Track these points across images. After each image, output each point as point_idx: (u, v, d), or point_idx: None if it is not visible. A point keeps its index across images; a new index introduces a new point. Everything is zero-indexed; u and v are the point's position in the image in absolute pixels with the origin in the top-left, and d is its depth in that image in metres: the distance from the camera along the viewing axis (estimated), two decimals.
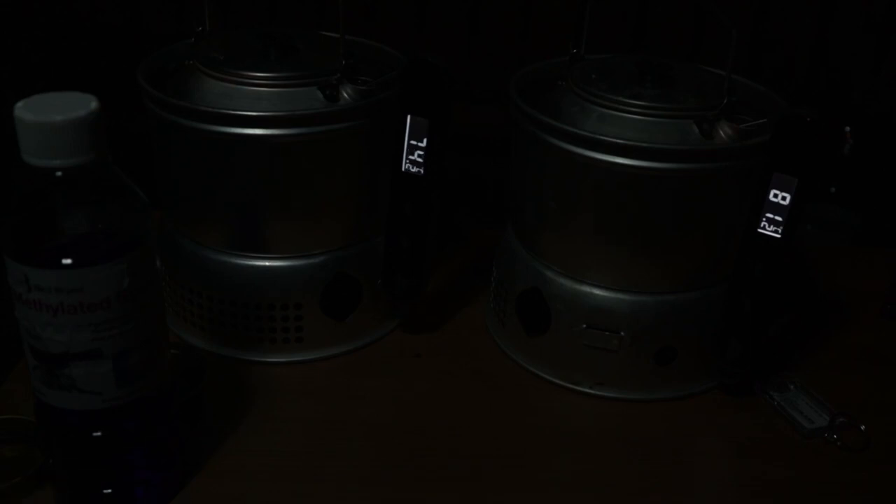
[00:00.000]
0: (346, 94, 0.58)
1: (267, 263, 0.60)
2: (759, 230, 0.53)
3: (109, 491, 0.48)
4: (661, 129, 0.55)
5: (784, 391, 0.60)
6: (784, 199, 0.52)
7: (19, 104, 0.41)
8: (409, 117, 0.56)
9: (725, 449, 0.57)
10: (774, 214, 0.53)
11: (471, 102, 0.77)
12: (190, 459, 0.53)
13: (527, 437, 0.57)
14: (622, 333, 0.58)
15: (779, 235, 0.53)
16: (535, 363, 0.62)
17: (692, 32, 1.16)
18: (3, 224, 0.43)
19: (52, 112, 0.40)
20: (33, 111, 0.40)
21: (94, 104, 0.41)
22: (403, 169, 0.57)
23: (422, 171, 0.57)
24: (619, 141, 0.53)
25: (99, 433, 0.46)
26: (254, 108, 0.56)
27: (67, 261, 0.42)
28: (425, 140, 0.56)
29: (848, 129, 0.98)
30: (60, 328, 0.43)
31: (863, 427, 0.57)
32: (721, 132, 0.55)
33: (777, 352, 0.64)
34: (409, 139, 0.56)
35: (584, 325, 0.59)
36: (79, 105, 0.41)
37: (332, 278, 0.61)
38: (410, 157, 0.57)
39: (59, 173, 0.41)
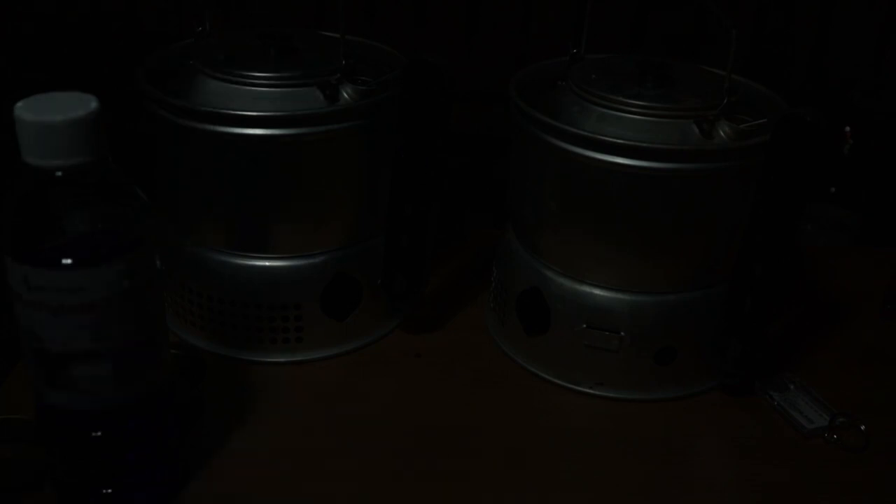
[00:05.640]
0: (346, 94, 0.58)
1: (267, 263, 0.60)
2: (759, 230, 0.53)
3: (109, 491, 0.48)
4: (661, 129, 0.55)
5: (784, 391, 0.60)
6: (785, 199, 0.52)
7: (19, 104, 0.41)
8: None
9: (725, 449, 0.57)
10: (775, 215, 0.53)
11: (471, 102, 0.77)
12: (190, 459, 0.53)
13: (527, 437, 0.57)
14: (622, 333, 0.58)
15: (779, 236, 0.53)
16: (535, 363, 0.62)
17: (692, 32, 1.16)
18: (3, 224, 0.43)
19: (52, 112, 0.40)
20: (33, 111, 0.40)
21: (94, 104, 0.41)
22: None
23: None
24: (618, 141, 0.53)
25: (99, 433, 0.46)
26: (254, 108, 0.56)
27: (67, 261, 0.42)
28: None
29: (848, 129, 0.98)
30: (60, 328, 0.43)
31: (863, 427, 0.57)
32: (721, 132, 0.55)
33: (777, 352, 0.64)
34: None
35: (584, 325, 0.59)
36: (79, 105, 0.41)
37: (332, 278, 0.61)
38: None
39: (59, 173, 0.41)
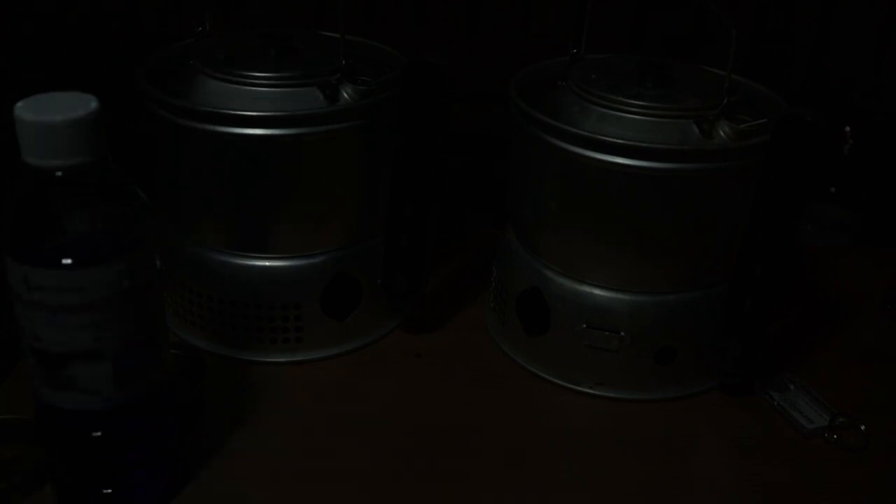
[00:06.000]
0: (346, 94, 0.58)
1: (267, 263, 0.60)
2: (759, 230, 0.53)
3: (109, 491, 0.48)
4: (661, 129, 0.55)
5: (784, 391, 0.60)
6: (785, 199, 0.52)
7: (19, 104, 0.41)
8: None
9: (725, 449, 0.57)
10: (775, 215, 0.53)
11: (471, 102, 0.77)
12: (190, 459, 0.53)
13: (526, 437, 0.57)
14: (622, 333, 0.58)
15: (779, 236, 0.53)
16: (535, 363, 0.62)
17: (692, 32, 1.16)
18: (3, 224, 0.43)
19: (52, 112, 0.40)
20: (33, 111, 0.40)
21: (94, 104, 0.41)
22: None
23: None
24: (618, 141, 0.53)
25: (99, 433, 0.46)
26: (254, 108, 0.56)
27: (67, 261, 0.42)
28: None
29: (848, 129, 0.98)
30: (60, 328, 0.43)
31: (863, 427, 0.57)
32: (721, 132, 0.55)
33: (777, 352, 0.64)
34: None
35: (584, 325, 0.59)
36: (79, 105, 0.41)
37: (332, 278, 0.61)
38: None
39: (59, 173, 0.41)
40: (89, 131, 0.41)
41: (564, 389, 0.61)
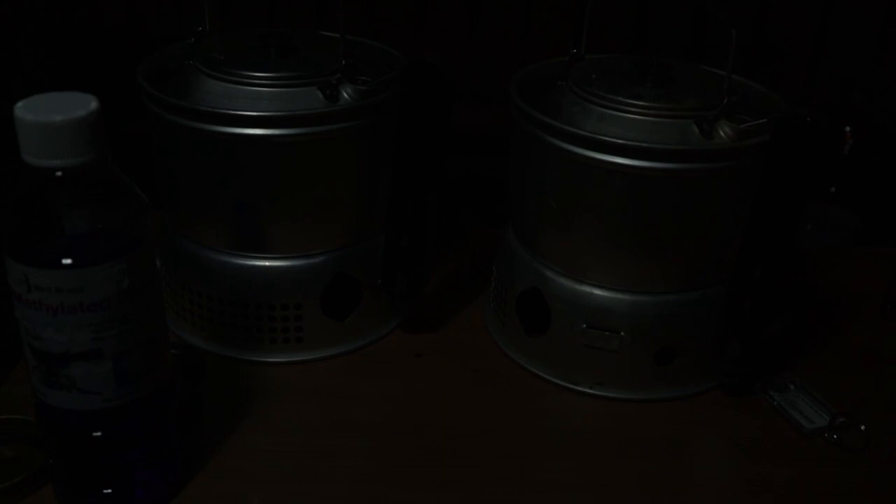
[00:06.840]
0: (346, 94, 0.58)
1: (267, 263, 0.60)
2: (759, 230, 0.53)
3: (109, 491, 0.48)
4: (661, 129, 0.55)
5: (784, 391, 0.60)
6: (785, 199, 0.52)
7: (19, 104, 0.41)
8: None
9: (725, 449, 0.57)
10: (775, 215, 0.53)
11: (471, 102, 0.77)
12: (190, 459, 0.53)
13: (526, 437, 0.57)
14: (622, 333, 0.58)
15: (779, 236, 0.53)
16: (535, 363, 0.62)
17: (692, 32, 1.16)
18: (3, 224, 0.43)
19: (52, 112, 0.40)
20: (33, 111, 0.40)
21: (93, 104, 0.41)
22: None
23: None
24: (619, 141, 0.53)
25: (99, 433, 0.46)
26: (254, 108, 0.56)
27: (67, 261, 0.42)
28: None
29: (848, 129, 0.98)
30: (60, 328, 0.43)
31: (863, 427, 0.57)
32: (721, 132, 0.55)
33: (777, 352, 0.64)
34: None
35: (584, 325, 0.59)
36: (79, 105, 0.41)
37: (332, 278, 0.61)
38: None
39: (59, 173, 0.41)
40: (89, 131, 0.41)
41: (564, 389, 0.61)
